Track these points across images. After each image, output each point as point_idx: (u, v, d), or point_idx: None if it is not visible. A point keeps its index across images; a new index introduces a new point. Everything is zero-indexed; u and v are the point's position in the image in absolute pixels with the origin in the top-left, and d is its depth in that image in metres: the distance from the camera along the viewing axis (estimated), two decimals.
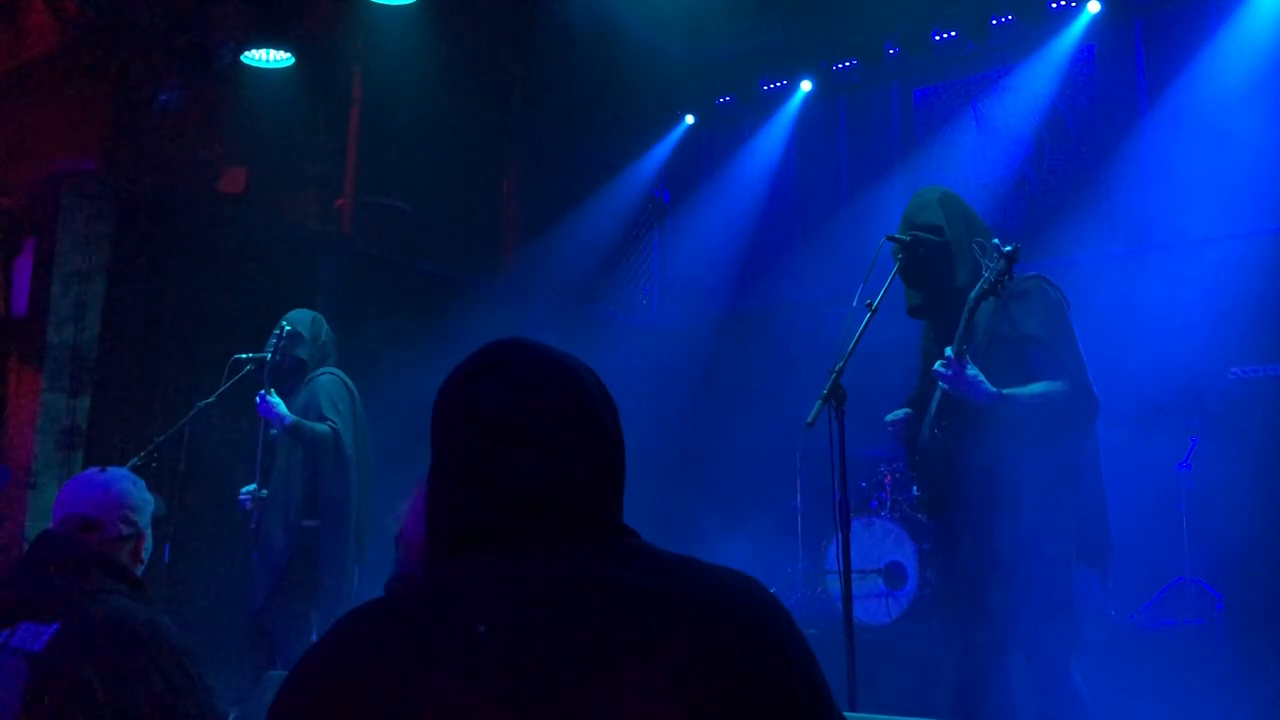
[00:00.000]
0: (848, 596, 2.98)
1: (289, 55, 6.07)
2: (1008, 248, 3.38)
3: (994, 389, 3.30)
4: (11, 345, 6.04)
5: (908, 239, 3.50)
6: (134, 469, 4.45)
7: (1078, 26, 7.22)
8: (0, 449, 5.91)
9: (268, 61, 6.10)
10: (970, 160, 7.70)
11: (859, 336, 3.26)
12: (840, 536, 3.09)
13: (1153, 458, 5.80)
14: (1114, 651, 5.01)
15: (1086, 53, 7.38)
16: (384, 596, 1.26)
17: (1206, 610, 5.70)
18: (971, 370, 3.30)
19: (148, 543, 2.55)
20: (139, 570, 2.50)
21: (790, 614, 1.22)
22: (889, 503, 6.37)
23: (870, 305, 3.32)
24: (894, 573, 6.08)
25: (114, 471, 2.61)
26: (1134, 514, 5.27)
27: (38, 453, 5.78)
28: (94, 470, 2.62)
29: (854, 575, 5.24)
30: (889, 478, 6.41)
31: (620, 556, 1.21)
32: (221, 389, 4.92)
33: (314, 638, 4.73)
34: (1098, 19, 7.13)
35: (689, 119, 8.84)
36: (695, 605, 1.14)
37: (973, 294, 3.39)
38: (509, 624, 1.13)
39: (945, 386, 3.38)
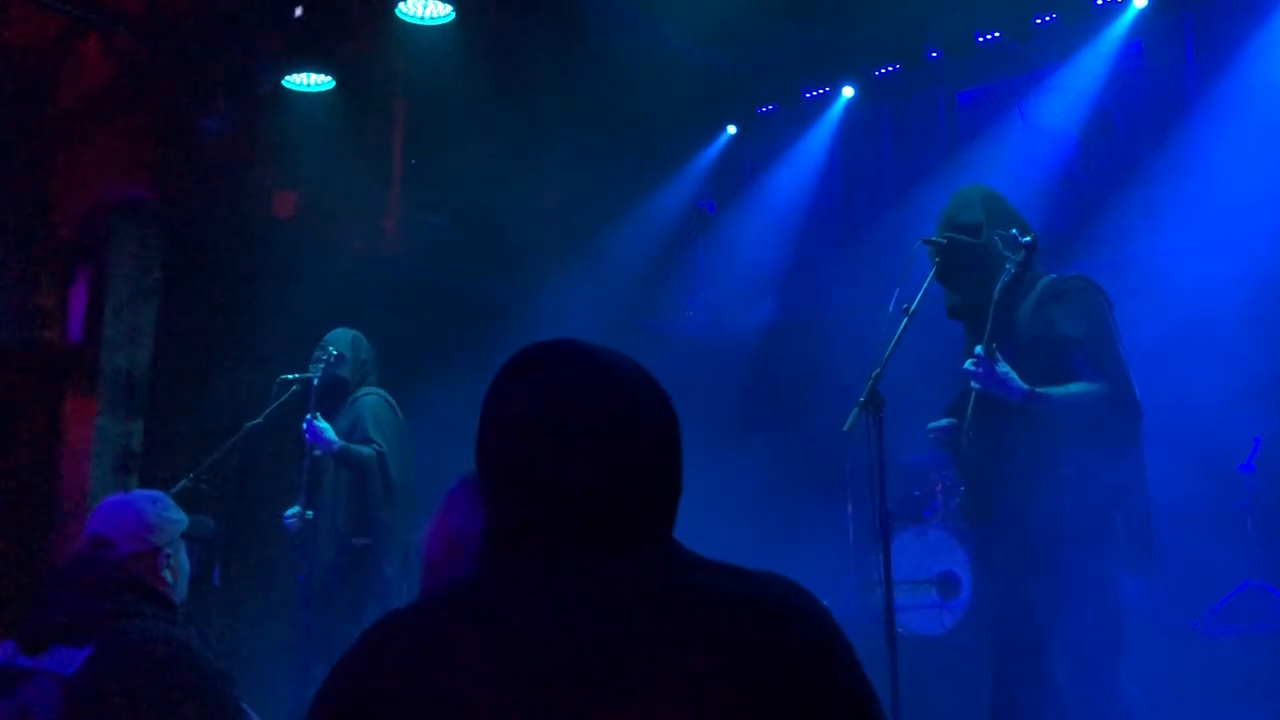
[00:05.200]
0: (889, 607, 2.92)
1: (329, 78, 6.14)
2: (1026, 238, 3.31)
3: (1026, 386, 3.22)
4: (67, 372, 6.16)
5: (943, 241, 3.44)
6: (183, 491, 4.52)
7: (1124, 22, 7.08)
8: (57, 475, 6.02)
9: (309, 85, 6.18)
10: (1017, 161, 7.58)
11: (896, 341, 3.21)
12: (883, 544, 3.03)
13: (1215, 459, 5.65)
14: (1177, 658, 4.88)
15: (1133, 49, 7.24)
16: (408, 608, 1.24)
17: (1275, 616, 5.53)
18: (1002, 368, 3.22)
19: (175, 561, 2.55)
20: (176, 591, 2.51)
21: (836, 620, 1.18)
22: (941, 511, 6.26)
23: (907, 309, 3.27)
24: (948, 582, 5.98)
25: (136, 493, 2.66)
26: (1196, 517, 5.13)
27: (93, 478, 5.88)
28: (120, 493, 2.67)
29: (907, 586, 5.17)
30: (940, 485, 6.30)
31: (655, 562, 1.18)
32: (268, 410, 4.98)
33: None
34: (1144, 14, 6.99)
35: (731, 129, 8.80)
36: (736, 611, 1.11)
37: (996, 289, 3.32)
38: (540, 629, 1.11)
39: (976, 386, 3.31)
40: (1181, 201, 6.69)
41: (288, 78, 6.11)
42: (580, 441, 1.21)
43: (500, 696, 1.07)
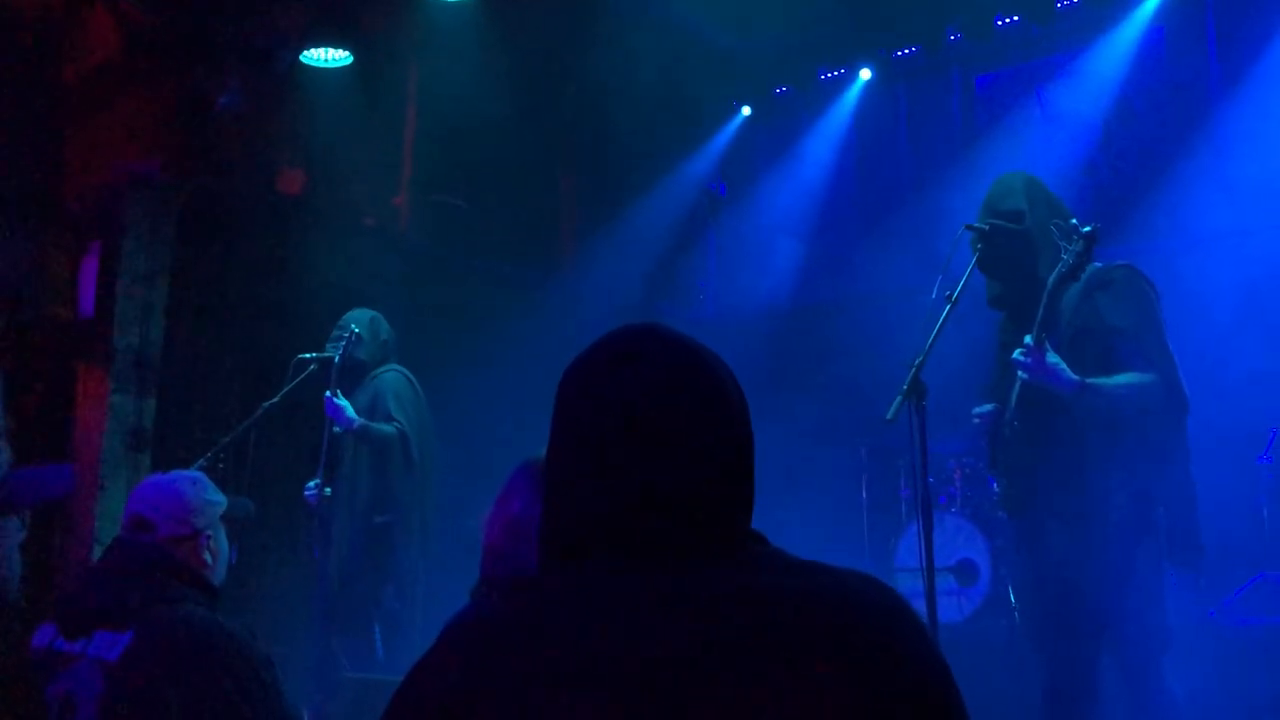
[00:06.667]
0: (931, 594, 2.89)
1: (348, 54, 6.07)
2: (1087, 228, 3.25)
3: (1077, 377, 3.17)
4: (79, 348, 6.10)
5: (986, 228, 3.39)
6: (200, 470, 4.48)
7: (1147, 8, 7.02)
8: (69, 452, 5.97)
9: (326, 61, 6.11)
10: (1036, 147, 7.52)
11: (939, 329, 3.16)
12: (921, 532, 2.99)
13: (1231, 450, 5.62)
14: (1192, 649, 4.86)
15: (1155, 35, 7.18)
16: (494, 608, 1.16)
17: None
18: (1052, 358, 3.18)
19: (215, 544, 2.52)
20: (215, 574, 2.47)
21: (924, 621, 1.14)
22: (959, 498, 6.25)
23: (950, 297, 3.22)
24: (966, 570, 5.96)
25: (176, 474, 2.61)
26: (1212, 508, 5.11)
27: (105, 455, 5.83)
28: (159, 474, 2.62)
29: (925, 573, 5.12)
30: (959, 473, 6.28)
31: (754, 567, 1.13)
32: (285, 389, 4.93)
33: (378, 638, 4.73)
34: (1168, 1, 6.94)
35: (745, 110, 8.74)
36: (836, 617, 1.07)
37: (1051, 278, 3.27)
38: (640, 641, 1.05)
39: (1025, 376, 3.26)
40: (1203, 191, 6.64)
41: (305, 53, 6.03)
42: (685, 442, 1.16)
43: (602, 715, 1.02)
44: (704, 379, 1.20)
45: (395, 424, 4.72)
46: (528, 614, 1.12)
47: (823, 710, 1.01)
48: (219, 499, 2.55)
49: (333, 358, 4.79)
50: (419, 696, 1.11)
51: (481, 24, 6.52)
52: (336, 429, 4.79)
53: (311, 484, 4.83)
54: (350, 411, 4.67)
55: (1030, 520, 3.40)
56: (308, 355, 4.93)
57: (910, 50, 7.98)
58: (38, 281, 6.06)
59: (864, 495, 6.90)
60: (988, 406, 3.55)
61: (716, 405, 1.20)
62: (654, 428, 1.15)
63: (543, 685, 1.04)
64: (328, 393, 4.71)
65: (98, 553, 5.45)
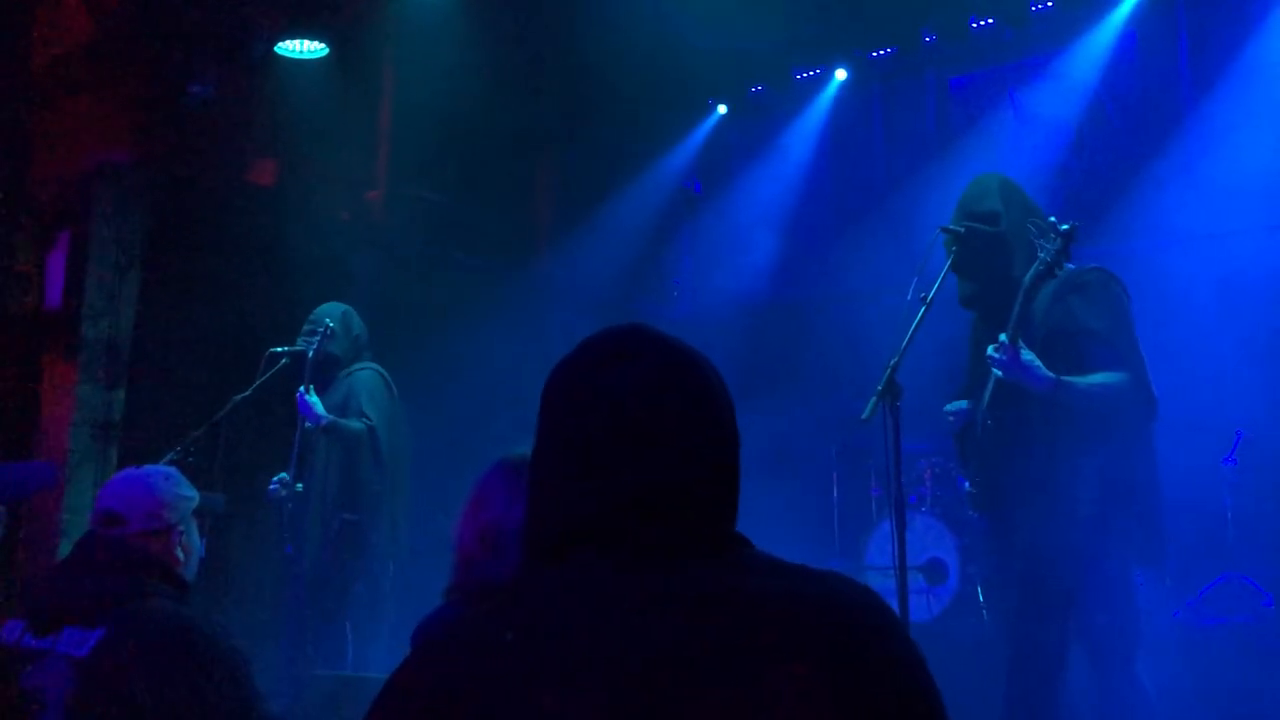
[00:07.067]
0: (903, 592, 2.91)
1: (323, 46, 6.03)
2: (1065, 226, 3.29)
3: (1051, 374, 3.21)
4: (46, 339, 6.03)
5: (961, 230, 3.41)
6: (170, 463, 4.44)
7: (1120, 13, 7.07)
8: (36, 443, 5.91)
9: (302, 52, 6.06)
10: (1009, 150, 7.57)
11: (914, 330, 3.18)
12: (894, 532, 3.01)
13: (1197, 452, 5.68)
14: (1158, 648, 4.92)
15: (1129, 40, 7.24)
16: (479, 609, 1.15)
17: (1254, 608, 5.59)
18: (1027, 355, 3.22)
19: (187, 540, 2.50)
20: (186, 570, 2.45)
21: (903, 625, 1.16)
22: (929, 498, 6.29)
23: (924, 299, 3.24)
24: (935, 569, 6.00)
25: (149, 468, 2.58)
26: (1178, 508, 5.16)
27: (72, 447, 5.78)
28: (131, 468, 2.59)
29: (894, 571, 5.16)
30: (929, 473, 6.32)
31: (742, 568, 1.13)
32: (257, 382, 4.90)
33: (349, 634, 4.71)
34: (1141, 5, 6.99)
35: (721, 109, 8.74)
36: (823, 619, 1.08)
37: (1028, 276, 3.30)
38: (631, 640, 1.05)
39: (999, 373, 3.29)
40: (1174, 193, 6.71)
41: (281, 44, 5.98)
42: (675, 443, 1.16)
43: (590, 704, 1.02)
44: (693, 379, 1.21)
45: (365, 421, 4.71)
46: (516, 614, 1.11)
47: (810, 709, 1.02)
48: (192, 494, 2.53)
49: (305, 352, 4.77)
50: (404, 698, 1.10)
51: (458, 18, 6.50)
52: (308, 424, 4.77)
53: (277, 478, 4.81)
54: (320, 408, 4.66)
55: (1000, 515, 3.44)
56: (280, 349, 4.91)
57: (885, 51, 8.01)
58: (4, 271, 5.98)
59: (835, 493, 6.93)
60: (961, 403, 3.58)
61: (706, 405, 1.20)
62: (644, 428, 1.16)
63: (533, 684, 1.03)
64: (300, 390, 4.69)
65: (64, 546, 5.40)
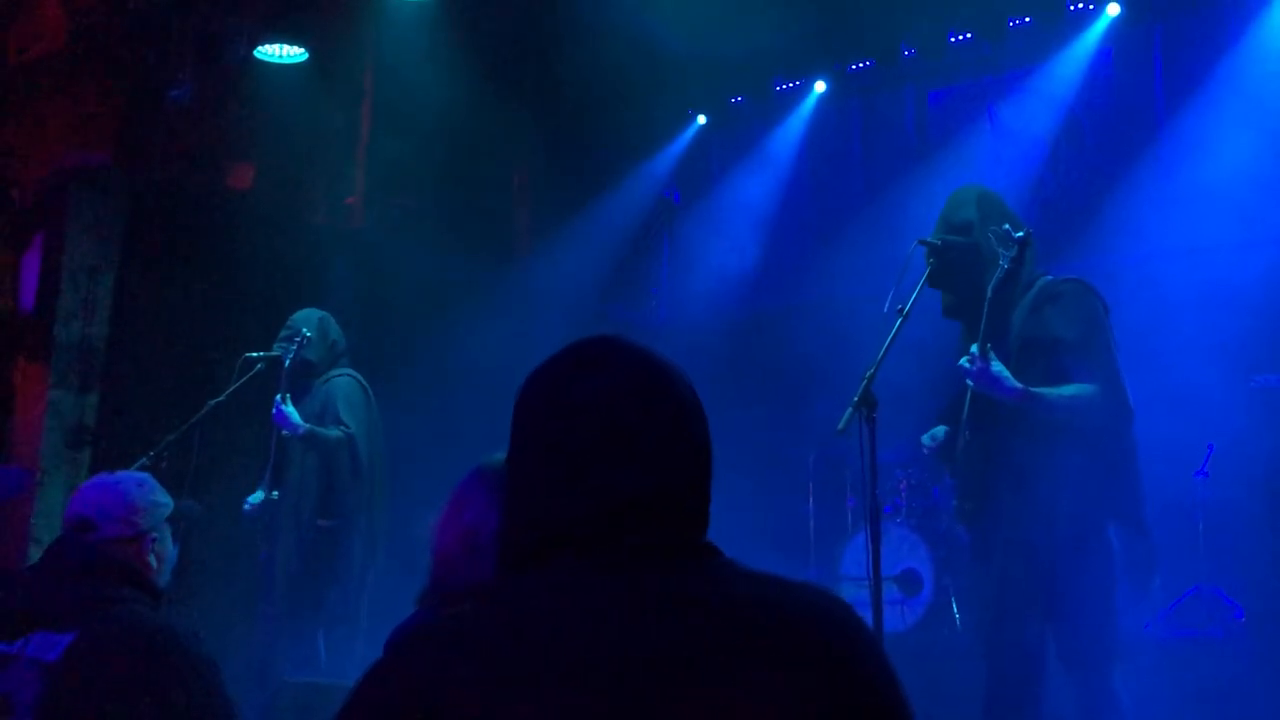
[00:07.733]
0: (878, 603, 2.92)
1: (302, 50, 6.02)
2: (1019, 233, 3.32)
3: (1019, 385, 3.22)
4: (19, 342, 5.98)
5: (938, 243, 3.43)
6: (143, 469, 4.41)
7: (1096, 30, 7.14)
8: (7, 447, 5.86)
9: (281, 56, 6.05)
10: (987, 163, 7.63)
11: (890, 342, 3.20)
12: (869, 544, 3.02)
13: (1168, 465, 5.73)
14: (1129, 661, 4.94)
15: (1104, 56, 7.31)
16: (457, 613, 1.15)
17: (1225, 620, 5.63)
18: (996, 366, 3.23)
19: (160, 546, 2.48)
20: (159, 577, 2.43)
21: (876, 637, 1.18)
22: (904, 509, 6.30)
23: (901, 310, 3.26)
24: (909, 580, 6.02)
25: (122, 474, 2.56)
26: (1148, 520, 5.20)
27: (45, 451, 5.73)
28: (104, 474, 2.57)
29: (869, 582, 5.17)
30: (904, 483, 6.34)
31: (718, 574, 1.15)
32: (232, 388, 4.87)
33: (321, 643, 4.69)
34: (1117, 23, 7.06)
35: (701, 119, 8.77)
36: (790, 628, 1.09)
37: (990, 285, 3.33)
38: (612, 643, 1.06)
39: (971, 384, 3.31)
40: (1147, 208, 6.77)
41: (260, 48, 5.97)
42: (656, 450, 1.18)
43: (571, 707, 1.03)
44: (670, 388, 1.23)
45: (343, 428, 4.69)
46: (496, 618, 1.12)
47: (786, 713, 1.03)
48: (165, 501, 2.51)
49: (281, 358, 4.74)
50: (377, 703, 1.10)
51: (439, 25, 6.50)
52: (285, 433, 4.74)
53: (252, 498, 4.78)
54: (296, 418, 4.64)
55: (983, 530, 3.45)
56: (255, 354, 4.88)
57: (865, 64, 8.06)
58: None
59: (810, 503, 6.94)
60: (939, 429, 3.59)
61: (679, 415, 1.22)
62: (625, 435, 1.18)
63: (514, 688, 1.04)
64: (276, 397, 4.66)
65: (34, 552, 5.35)
